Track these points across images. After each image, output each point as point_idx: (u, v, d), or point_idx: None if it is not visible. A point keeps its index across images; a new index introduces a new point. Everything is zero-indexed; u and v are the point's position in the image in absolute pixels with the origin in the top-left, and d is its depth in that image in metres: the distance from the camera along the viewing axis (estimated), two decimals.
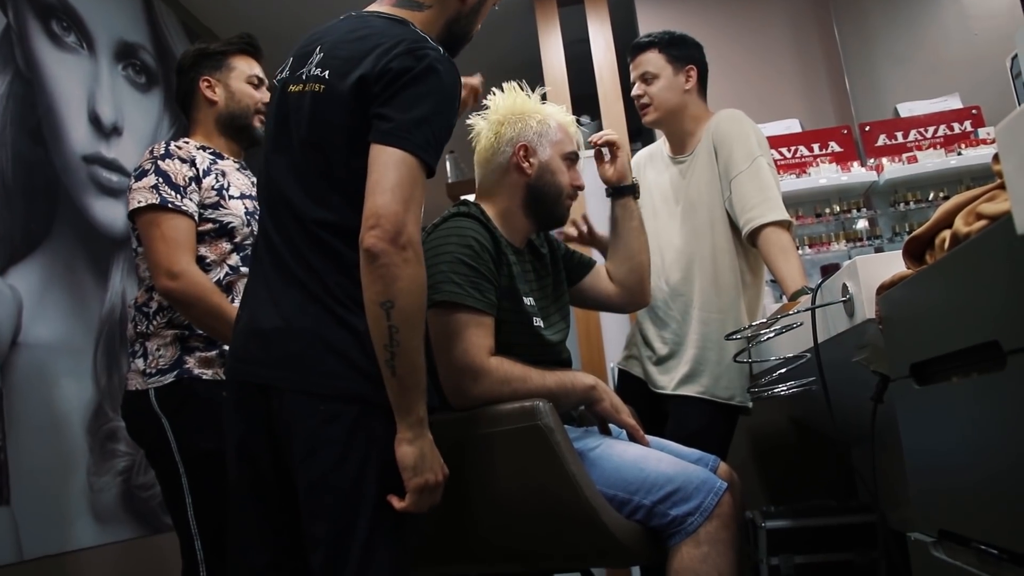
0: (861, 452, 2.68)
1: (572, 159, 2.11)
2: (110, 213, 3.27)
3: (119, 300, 3.23)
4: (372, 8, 1.70)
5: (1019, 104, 2.90)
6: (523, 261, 2.05)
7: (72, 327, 2.98)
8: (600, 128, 3.97)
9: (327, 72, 1.56)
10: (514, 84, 2.13)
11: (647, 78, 2.58)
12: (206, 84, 2.35)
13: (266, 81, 2.41)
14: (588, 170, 2.25)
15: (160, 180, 2.15)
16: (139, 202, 2.13)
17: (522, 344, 1.92)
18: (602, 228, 2.50)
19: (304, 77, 1.59)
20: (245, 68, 2.39)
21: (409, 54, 1.50)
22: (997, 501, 0.94)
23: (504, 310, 1.90)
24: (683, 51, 2.59)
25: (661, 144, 2.76)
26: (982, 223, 0.94)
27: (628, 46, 2.66)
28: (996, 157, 0.90)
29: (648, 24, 3.99)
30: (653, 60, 2.58)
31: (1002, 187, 0.93)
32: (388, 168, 1.45)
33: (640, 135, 4.56)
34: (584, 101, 4.25)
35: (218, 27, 4.28)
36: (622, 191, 2.26)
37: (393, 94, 1.49)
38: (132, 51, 3.62)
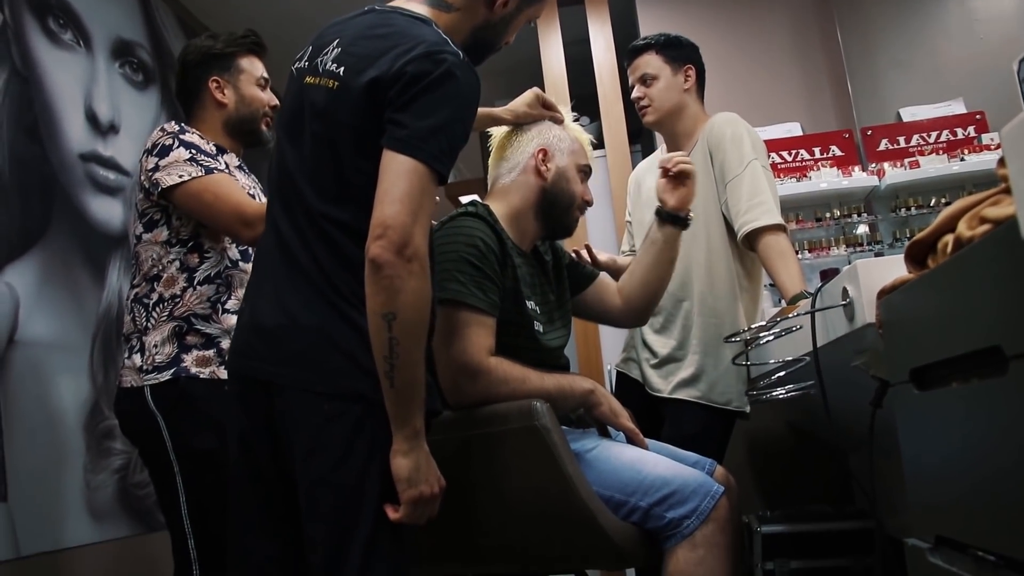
0: (859, 458, 2.67)
1: (586, 172, 2.13)
2: (107, 211, 3.26)
3: (116, 298, 3.22)
4: (398, 2, 1.67)
5: None
6: (528, 265, 2.05)
7: (69, 325, 2.97)
8: (600, 130, 3.96)
9: (342, 69, 1.54)
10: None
11: (646, 80, 2.58)
12: (215, 85, 2.33)
13: (270, 81, 2.42)
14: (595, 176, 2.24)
15: (193, 152, 2.14)
16: (181, 176, 2.11)
17: (521, 347, 1.92)
18: (601, 252, 2.54)
19: (320, 70, 1.57)
20: (253, 70, 2.38)
21: (427, 57, 1.47)
22: (996, 507, 0.93)
23: (506, 312, 1.89)
24: (680, 51, 2.60)
25: (659, 151, 2.77)
26: (986, 227, 0.93)
27: (627, 48, 2.67)
28: (1001, 161, 0.89)
29: (649, 25, 3.98)
30: (651, 62, 2.59)
31: (1007, 191, 0.92)
32: (399, 177, 1.43)
33: (640, 136, 4.55)
34: (584, 101, 4.23)
35: (215, 24, 4.27)
36: (675, 220, 2.18)
37: (409, 100, 1.46)
38: (129, 49, 3.60)
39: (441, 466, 1.53)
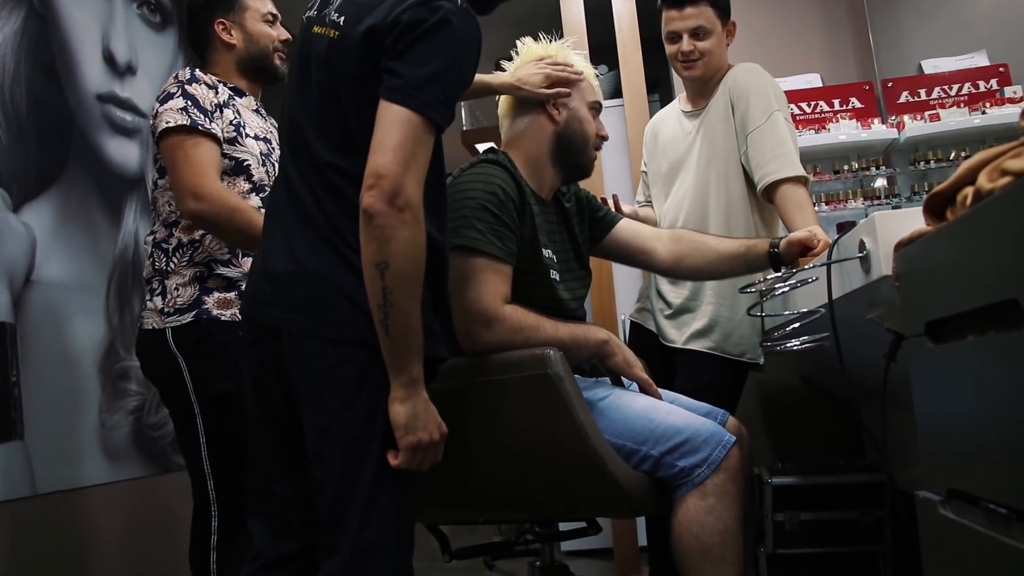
0: (871, 411, 2.68)
1: (597, 109, 2.12)
2: (124, 152, 3.26)
3: (132, 240, 3.23)
4: None
5: None
6: (547, 213, 2.04)
7: (85, 266, 2.99)
8: (618, 80, 3.92)
9: (342, 18, 1.54)
10: (541, 36, 2.14)
11: (699, 33, 2.48)
12: (221, 27, 2.31)
13: (279, 16, 2.39)
14: (607, 120, 2.22)
15: (189, 103, 2.14)
16: (167, 123, 2.11)
17: (537, 296, 1.92)
18: (624, 204, 2.53)
19: (326, 20, 1.57)
20: (259, 5, 2.35)
21: (422, 5, 1.46)
22: (1009, 460, 0.93)
23: (523, 260, 1.90)
24: (727, 4, 2.54)
25: (670, 107, 2.75)
26: (1007, 179, 0.92)
27: None
28: None
29: None
30: (705, 14, 2.48)
31: None
32: (392, 127, 1.43)
33: (657, 86, 4.50)
34: (603, 50, 4.19)
35: None
36: (778, 261, 2.09)
37: (404, 48, 1.46)
38: None
39: (453, 413, 1.54)
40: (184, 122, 2.10)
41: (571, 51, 2.13)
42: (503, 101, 2.12)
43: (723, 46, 2.53)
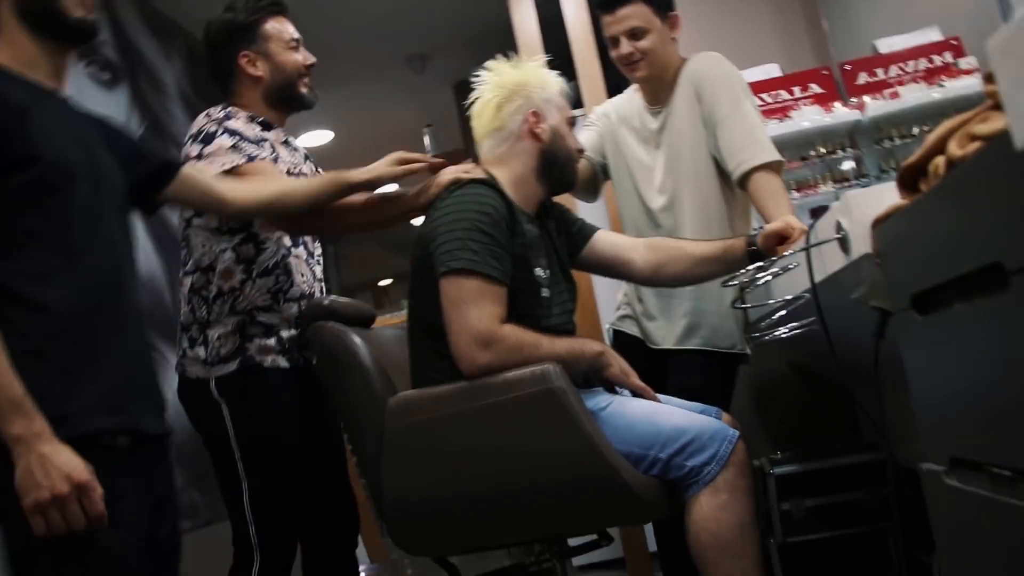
0: (864, 391, 2.67)
1: (572, 123, 2.15)
2: None
3: None
4: None
5: (1004, 22, 2.87)
6: (535, 230, 2.05)
7: None
8: (578, 92, 3.93)
9: None
10: (512, 55, 2.14)
11: (636, 33, 2.43)
12: (246, 60, 2.25)
13: (301, 39, 2.33)
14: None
15: (237, 138, 2.11)
16: (223, 165, 2.08)
17: (531, 314, 1.93)
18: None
19: None
20: (282, 33, 2.29)
21: None
22: (1008, 422, 0.94)
23: (516, 279, 1.90)
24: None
25: (629, 98, 2.68)
26: (977, 144, 0.93)
27: (601, 3, 2.51)
28: (988, 77, 0.89)
29: None
30: (639, 13, 2.42)
31: (995, 107, 0.92)
32: None
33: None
34: (560, 62, 4.21)
35: (181, 16, 4.21)
36: (757, 256, 2.07)
37: None
38: (92, 47, 3.54)
39: (460, 438, 1.52)
40: (240, 161, 2.08)
41: (541, 67, 2.14)
42: (481, 123, 2.11)
43: (667, 42, 2.47)
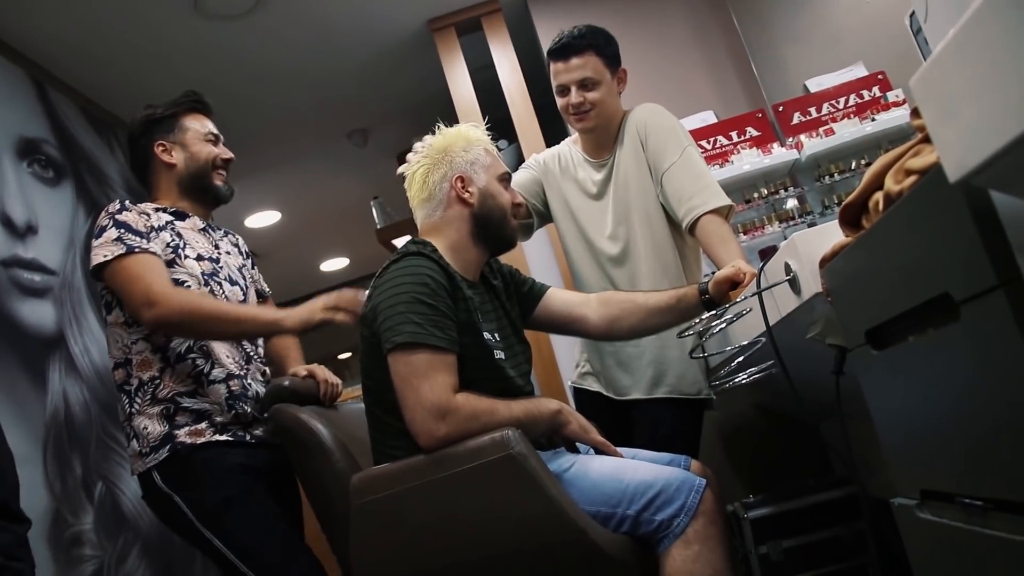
0: (830, 427, 2.69)
1: (506, 179, 2.12)
2: (38, 313, 3.18)
3: (62, 401, 3.13)
4: None
5: (924, 58, 2.95)
6: (479, 294, 2.04)
7: (15, 438, 2.88)
8: (520, 152, 3.97)
9: None
10: (439, 125, 2.13)
11: (587, 84, 2.43)
12: (161, 148, 2.31)
13: (222, 137, 2.39)
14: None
15: (122, 231, 2.13)
16: (104, 256, 2.10)
17: (485, 379, 1.90)
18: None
19: None
20: (198, 126, 2.36)
21: None
22: (972, 452, 0.94)
23: (465, 346, 1.88)
24: (614, 51, 2.49)
25: (568, 150, 2.66)
26: (912, 179, 0.94)
27: (553, 50, 2.49)
28: (915, 111, 0.90)
29: (549, 38, 3.99)
30: (592, 64, 2.42)
31: (925, 140, 0.93)
32: None
33: None
34: (498, 125, 4.25)
35: (122, 111, 4.20)
36: (711, 304, 2.06)
37: None
38: (35, 146, 3.52)
39: (425, 511, 1.49)
40: (120, 251, 2.10)
41: (466, 129, 2.12)
42: (412, 194, 2.10)
43: (614, 94, 2.49)
